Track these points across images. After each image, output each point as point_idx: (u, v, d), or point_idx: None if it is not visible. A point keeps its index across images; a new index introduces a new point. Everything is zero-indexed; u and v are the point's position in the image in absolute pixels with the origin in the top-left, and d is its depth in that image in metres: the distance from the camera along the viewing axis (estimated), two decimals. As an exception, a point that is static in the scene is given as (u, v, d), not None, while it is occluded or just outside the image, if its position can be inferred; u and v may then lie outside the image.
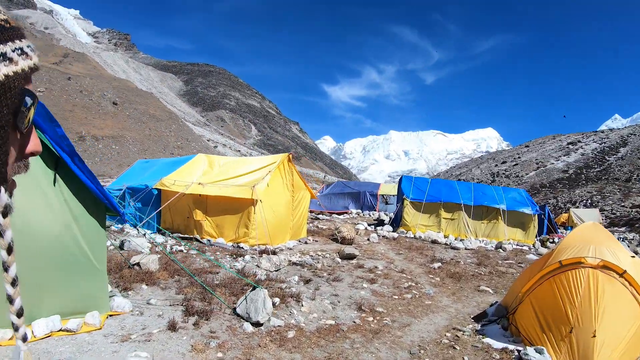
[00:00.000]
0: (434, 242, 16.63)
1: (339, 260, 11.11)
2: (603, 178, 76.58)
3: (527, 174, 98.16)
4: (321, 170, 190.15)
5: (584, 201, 62.14)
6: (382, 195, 28.10)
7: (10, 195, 0.72)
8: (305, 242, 14.02)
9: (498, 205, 18.61)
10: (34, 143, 0.76)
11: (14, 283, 0.73)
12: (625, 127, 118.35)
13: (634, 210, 47.53)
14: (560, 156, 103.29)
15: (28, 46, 0.73)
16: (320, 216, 25.52)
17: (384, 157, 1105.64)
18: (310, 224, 19.22)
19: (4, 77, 0.66)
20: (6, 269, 0.72)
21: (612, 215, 45.99)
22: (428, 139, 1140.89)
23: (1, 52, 0.67)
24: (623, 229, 37.42)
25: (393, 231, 18.81)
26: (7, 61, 0.67)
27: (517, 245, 18.07)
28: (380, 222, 22.41)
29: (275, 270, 9.42)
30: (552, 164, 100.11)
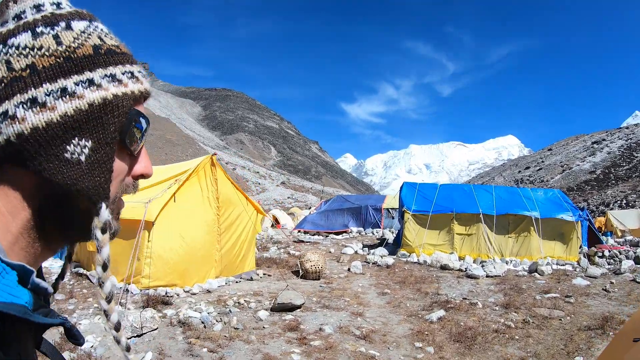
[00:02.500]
0: (444, 268, 12.08)
1: (265, 314, 6.69)
2: (634, 176, 71.80)
3: (552, 178, 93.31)
4: (342, 188, 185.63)
5: (618, 202, 56.85)
6: (388, 209, 23.43)
7: (118, 215, 0.74)
8: (251, 279, 9.70)
9: (529, 212, 13.94)
10: (145, 165, 0.75)
11: (108, 299, 0.70)
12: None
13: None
14: (585, 157, 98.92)
15: (139, 71, 0.73)
16: (315, 237, 21.22)
17: (406, 171, 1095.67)
18: (282, 249, 14.87)
19: (112, 96, 0.66)
20: (101, 285, 0.69)
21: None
22: (449, 151, 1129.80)
23: (111, 74, 0.67)
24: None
25: (392, 254, 14.35)
26: (117, 82, 0.68)
27: (556, 264, 13.38)
28: (382, 242, 17.95)
29: (134, 337, 5.18)
30: (578, 165, 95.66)
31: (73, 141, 0.63)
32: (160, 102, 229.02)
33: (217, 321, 6.21)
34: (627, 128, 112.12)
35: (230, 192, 9.57)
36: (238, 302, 7.44)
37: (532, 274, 11.58)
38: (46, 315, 0.63)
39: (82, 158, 0.64)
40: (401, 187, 15.81)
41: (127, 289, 7.58)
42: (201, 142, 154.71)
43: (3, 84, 0.61)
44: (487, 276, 11.04)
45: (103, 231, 0.68)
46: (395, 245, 15.62)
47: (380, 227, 22.76)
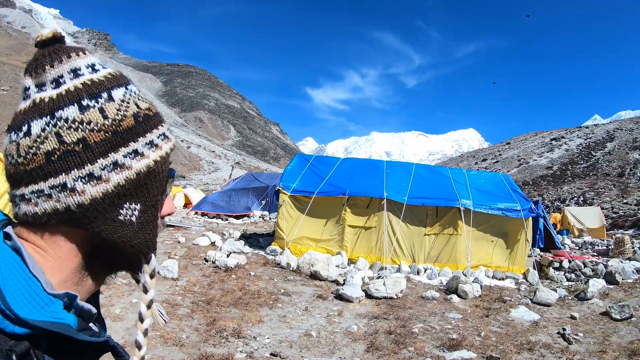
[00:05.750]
0: (315, 276, 7.97)
1: None
2: (591, 174, 71.68)
3: (509, 171, 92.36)
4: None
5: (575, 198, 55.52)
6: (302, 190, 19.25)
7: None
8: None
9: (457, 202, 9.97)
10: (169, 205, 0.81)
11: (145, 333, 0.76)
12: (611, 122, 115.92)
13: (640, 208, 39.86)
14: (543, 152, 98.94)
15: (168, 129, 0.79)
16: (205, 221, 17.02)
17: (367, 157, 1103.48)
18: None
19: (154, 163, 0.73)
20: (142, 320, 0.75)
21: (614, 215, 38.05)
22: (410, 140, 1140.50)
23: (150, 141, 0.73)
24: (631, 231, 29.54)
25: (261, 249, 10.24)
26: (154, 147, 0.74)
27: (493, 277, 9.54)
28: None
29: None
30: (535, 160, 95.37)
31: (125, 205, 0.70)
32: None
33: None
34: (587, 127, 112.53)
35: None
36: None
37: (450, 296, 7.62)
38: (91, 336, 0.66)
39: (134, 219, 0.71)
40: (292, 160, 11.62)
41: None
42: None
43: (56, 156, 0.65)
44: (370, 296, 6.97)
45: (151, 276, 0.75)
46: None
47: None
